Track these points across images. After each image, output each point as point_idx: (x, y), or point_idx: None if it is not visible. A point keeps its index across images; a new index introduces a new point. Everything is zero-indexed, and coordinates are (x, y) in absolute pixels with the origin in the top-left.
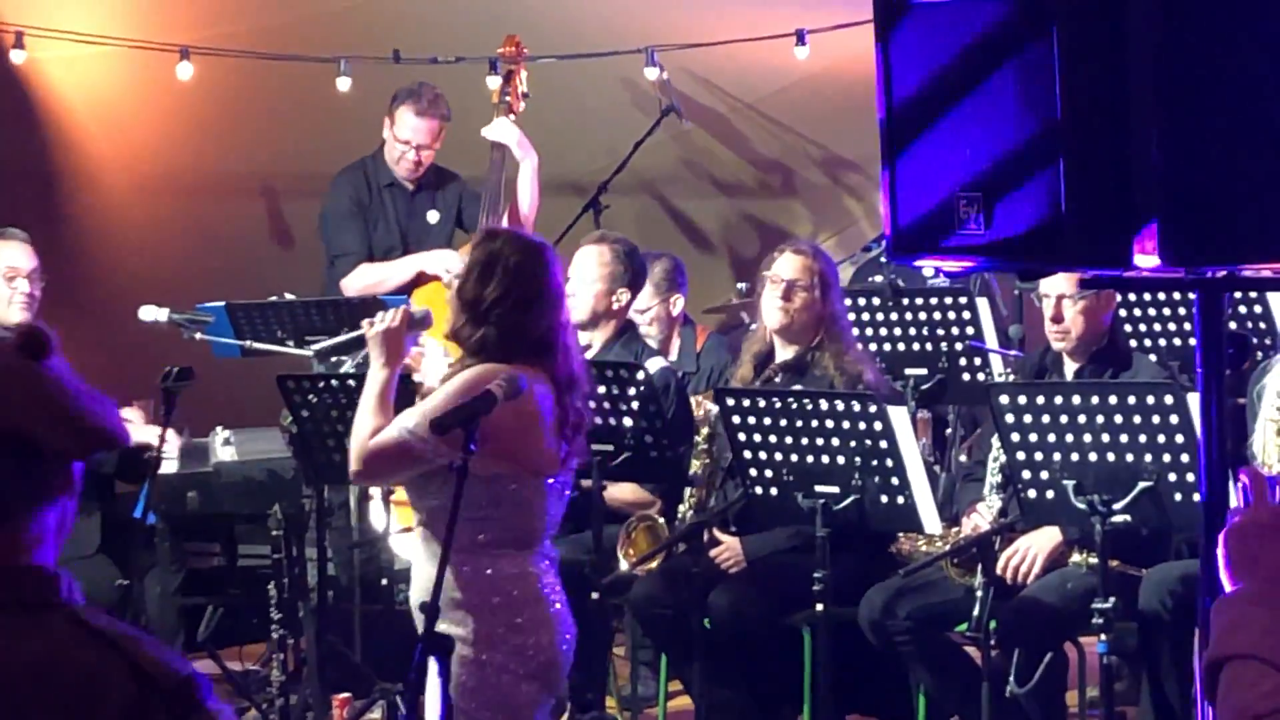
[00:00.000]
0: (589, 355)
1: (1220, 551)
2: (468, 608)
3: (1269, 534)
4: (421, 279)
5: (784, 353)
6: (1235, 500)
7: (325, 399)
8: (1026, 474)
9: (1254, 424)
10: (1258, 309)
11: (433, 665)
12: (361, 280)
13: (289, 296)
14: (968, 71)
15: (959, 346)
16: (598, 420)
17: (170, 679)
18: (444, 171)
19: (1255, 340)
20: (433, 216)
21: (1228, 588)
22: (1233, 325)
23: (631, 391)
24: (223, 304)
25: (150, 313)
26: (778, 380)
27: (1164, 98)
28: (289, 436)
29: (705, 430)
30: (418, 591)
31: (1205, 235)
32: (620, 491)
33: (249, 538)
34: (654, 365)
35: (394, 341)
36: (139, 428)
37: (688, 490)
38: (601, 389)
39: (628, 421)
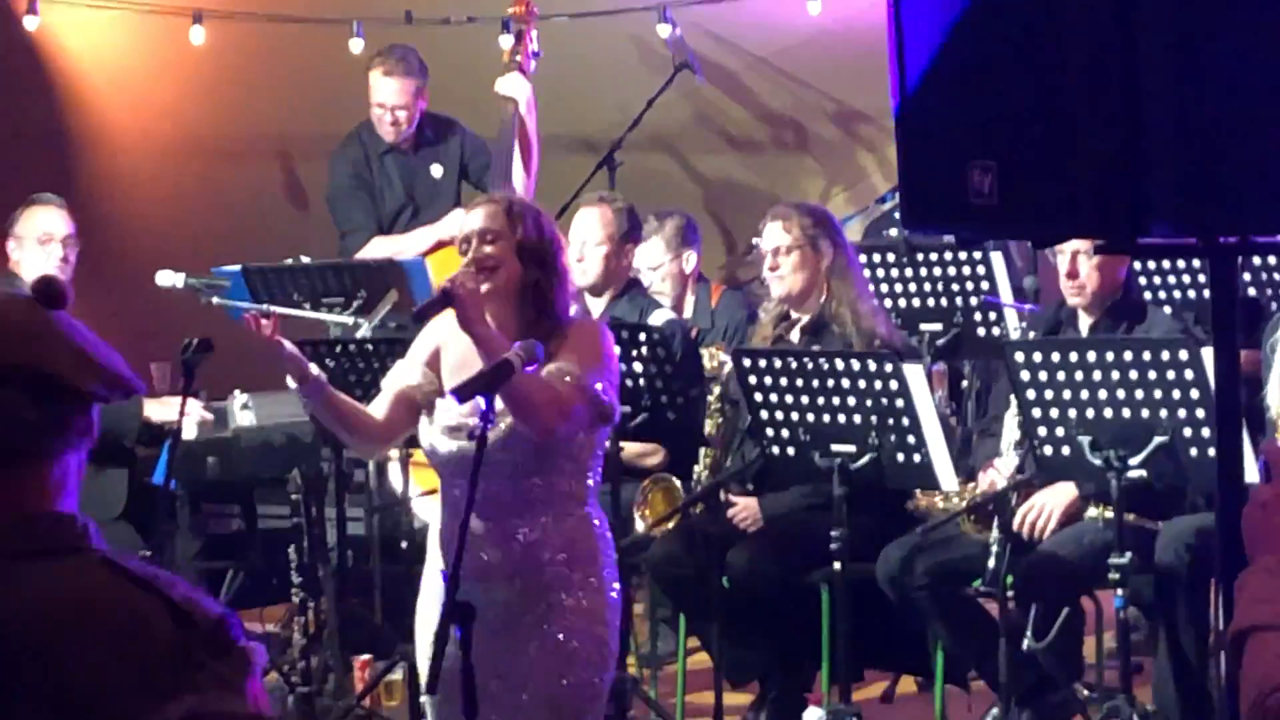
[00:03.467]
0: (595, 316)
1: (1243, 527)
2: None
3: None
4: (437, 245)
5: (800, 315)
6: (1256, 476)
7: (342, 363)
8: (1042, 430)
9: (1268, 375)
10: (1271, 260)
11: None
12: (374, 255)
13: (305, 260)
14: (981, 36)
15: (974, 301)
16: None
17: (206, 618)
18: (441, 122)
19: (1270, 298)
20: (436, 170)
21: (1252, 563)
22: (1249, 283)
23: (643, 351)
24: (239, 268)
25: (167, 277)
26: (796, 342)
27: (1177, 64)
28: None
29: (717, 389)
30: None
31: (1218, 203)
32: (641, 458)
33: (269, 501)
34: (660, 318)
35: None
36: (158, 404)
37: (703, 451)
38: (616, 349)
39: (641, 382)
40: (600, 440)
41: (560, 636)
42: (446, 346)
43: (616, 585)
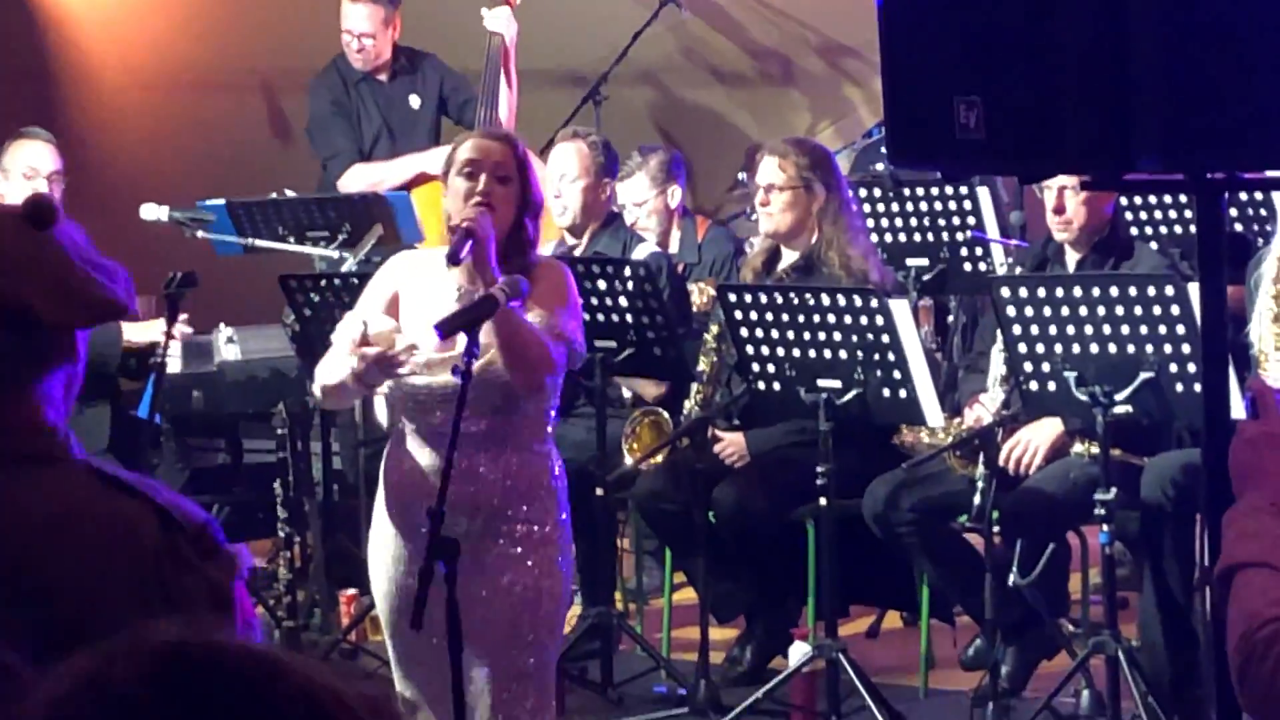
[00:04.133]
0: (577, 253)
1: (1230, 462)
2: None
3: (1278, 444)
4: (421, 177)
5: (789, 254)
6: (1242, 411)
7: (328, 297)
8: (1028, 366)
9: (1251, 311)
10: (1258, 196)
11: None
12: (357, 181)
13: (289, 193)
14: None
15: (960, 237)
16: (599, 317)
17: (192, 522)
18: (416, 53)
19: (1256, 234)
20: (414, 101)
21: (1238, 500)
22: (1235, 219)
23: (628, 286)
24: (223, 201)
25: (151, 211)
26: (786, 280)
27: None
28: (292, 333)
29: (715, 328)
30: None
31: (1205, 139)
32: (641, 386)
33: (254, 435)
34: (643, 251)
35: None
36: (143, 325)
37: (694, 386)
38: (601, 284)
39: (628, 318)
40: (560, 380)
41: (522, 569)
42: (405, 291)
43: (567, 521)
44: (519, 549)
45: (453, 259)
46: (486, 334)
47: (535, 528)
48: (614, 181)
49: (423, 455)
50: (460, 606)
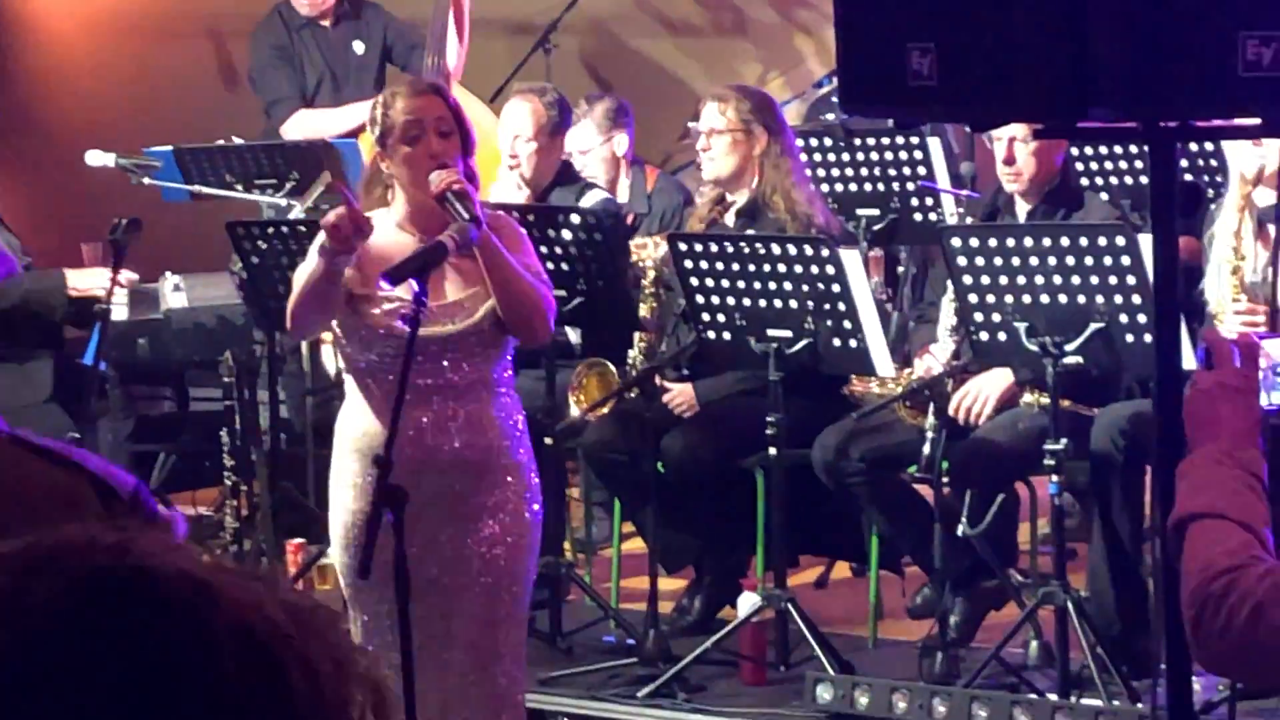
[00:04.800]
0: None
1: (1185, 414)
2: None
3: (1232, 395)
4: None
5: (734, 198)
6: (1195, 363)
7: (275, 245)
8: (979, 316)
9: (1207, 267)
10: (1209, 147)
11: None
12: (301, 127)
13: (237, 141)
14: None
15: (911, 186)
16: (548, 265)
17: (125, 489)
18: (361, 1)
19: (1206, 185)
20: (358, 47)
21: (1192, 451)
22: (1186, 169)
23: (578, 235)
24: (170, 148)
25: (97, 157)
26: (731, 225)
27: None
28: (239, 281)
29: (651, 273)
30: None
31: (1158, 87)
32: None
33: (200, 383)
34: (592, 199)
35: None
36: (88, 272)
37: (637, 336)
38: (550, 232)
39: (579, 266)
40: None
41: (497, 520)
42: (368, 250)
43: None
44: (495, 501)
45: (466, 246)
46: (458, 289)
47: (508, 480)
48: (564, 135)
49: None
50: (442, 559)
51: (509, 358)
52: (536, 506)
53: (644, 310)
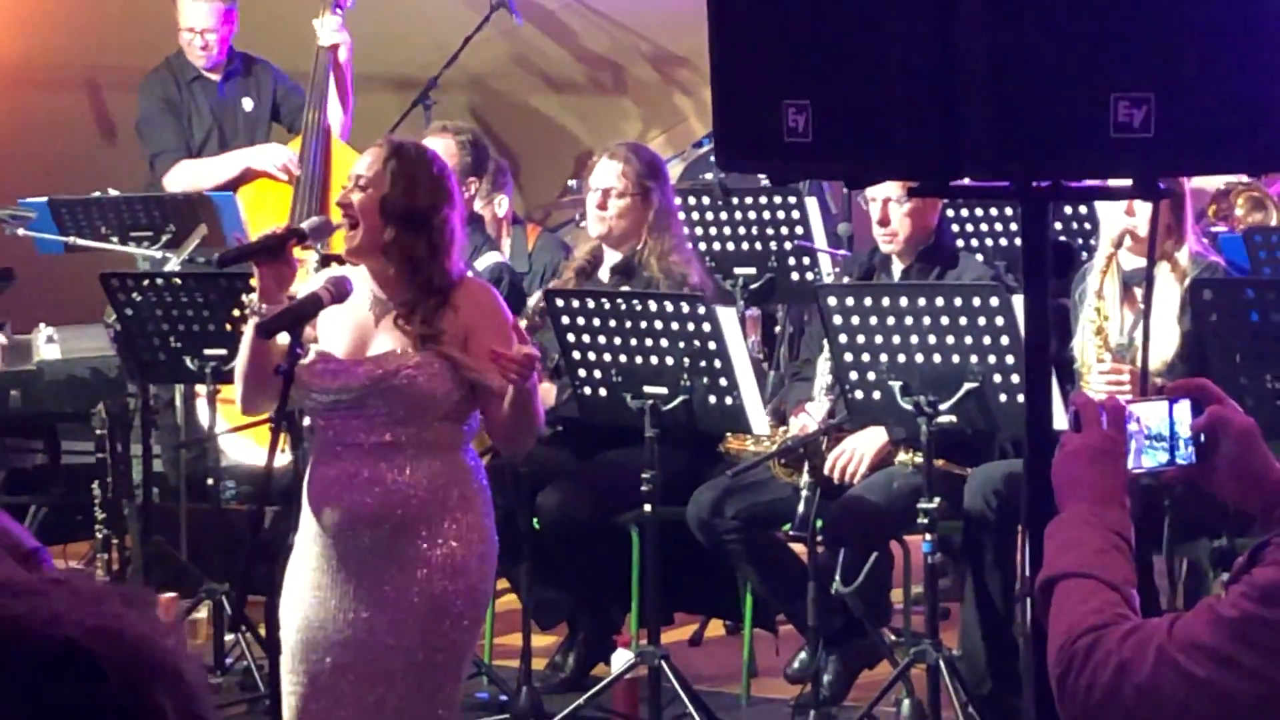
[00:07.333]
0: None
1: (1053, 474)
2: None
3: (1099, 457)
4: (248, 175)
5: (611, 256)
6: (1064, 424)
7: (150, 296)
8: (854, 375)
9: (1076, 326)
10: (1083, 209)
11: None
12: (183, 178)
13: (113, 192)
14: None
15: (788, 246)
16: None
17: (21, 550)
18: (251, 58)
19: (1079, 248)
20: (247, 104)
21: (1061, 511)
22: (1060, 231)
23: None
24: (45, 199)
25: None
26: (606, 282)
27: (992, 5)
28: (113, 333)
29: (524, 324)
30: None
31: (1031, 147)
32: None
33: (73, 436)
34: (486, 261)
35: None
36: None
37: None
38: None
39: None
40: None
41: (429, 583)
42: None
43: (491, 529)
44: (428, 563)
45: (340, 298)
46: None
47: (445, 543)
48: (479, 181)
49: (331, 466)
50: (369, 618)
51: (458, 422)
52: (471, 577)
53: None
